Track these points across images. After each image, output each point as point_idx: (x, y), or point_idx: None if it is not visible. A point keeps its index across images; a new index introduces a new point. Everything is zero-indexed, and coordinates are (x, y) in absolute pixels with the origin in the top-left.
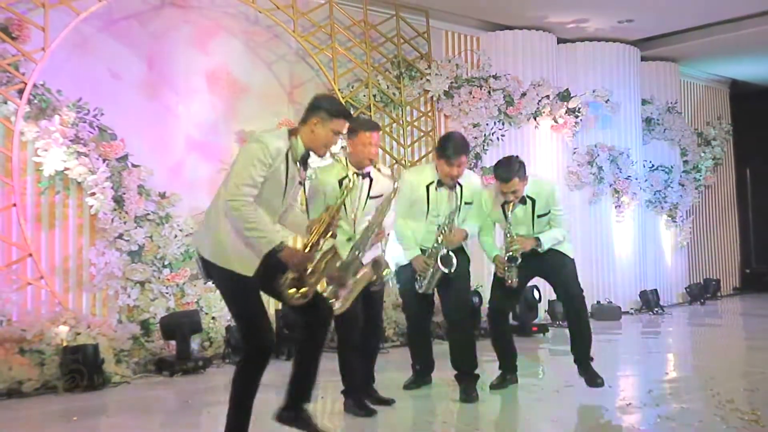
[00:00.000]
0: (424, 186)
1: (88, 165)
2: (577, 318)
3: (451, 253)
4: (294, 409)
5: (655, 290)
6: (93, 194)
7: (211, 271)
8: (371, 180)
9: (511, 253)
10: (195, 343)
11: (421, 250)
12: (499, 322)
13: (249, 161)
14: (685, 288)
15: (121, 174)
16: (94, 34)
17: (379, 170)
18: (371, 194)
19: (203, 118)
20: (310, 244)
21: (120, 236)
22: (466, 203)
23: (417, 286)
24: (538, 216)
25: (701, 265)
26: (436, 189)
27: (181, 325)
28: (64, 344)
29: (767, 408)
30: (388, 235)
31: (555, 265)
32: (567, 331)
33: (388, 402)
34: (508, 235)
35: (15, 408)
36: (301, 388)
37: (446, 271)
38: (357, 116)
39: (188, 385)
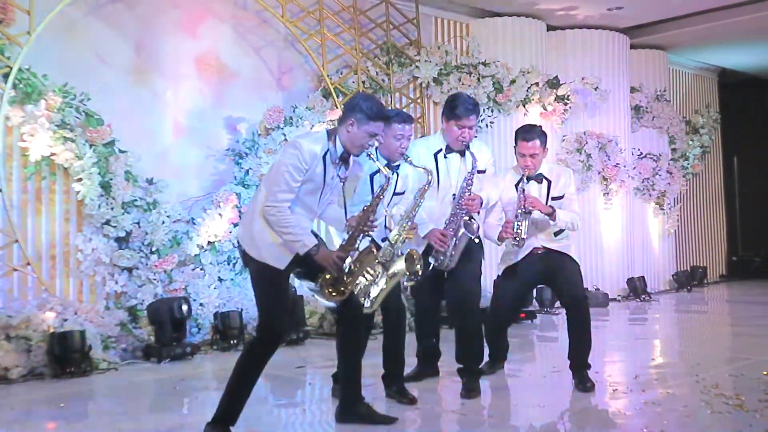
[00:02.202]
0: (431, 155)
1: (74, 150)
2: (581, 324)
3: (474, 218)
4: (352, 405)
5: (643, 277)
6: (80, 180)
7: (247, 260)
8: (398, 175)
9: (522, 210)
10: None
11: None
12: (504, 323)
13: (285, 168)
14: (672, 275)
15: (108, 160)
16: (81, 17)
17: (410, 163)
18: (396, 190)
19: (191, 104)
20: (346, 245)
21: (107, 222)
22: (479, 171)
23: (437, 264)
24: (553, 198)
25: (688, 253)
26: (444, 156)
27: (160, 312)
28: (51, 331)
29: (752, 393)
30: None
31: (561, 267)
32: (554, 317)
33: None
34: (521, 207)
35: (1, 395)
36: (353, 384)
37: (472, 236)
38: (388, 107)
39: (176, 371)
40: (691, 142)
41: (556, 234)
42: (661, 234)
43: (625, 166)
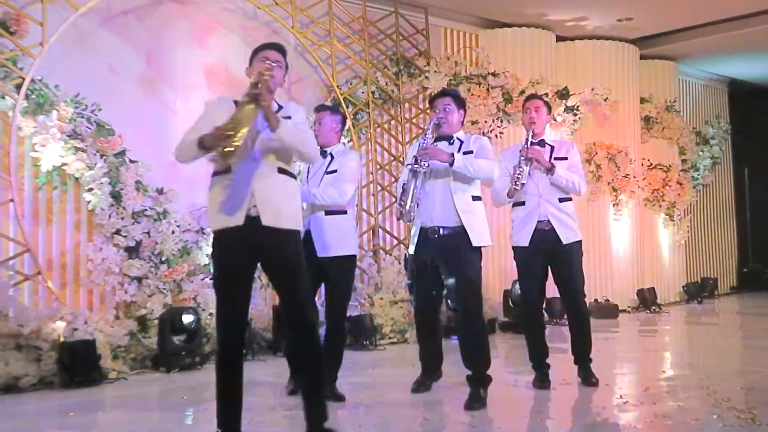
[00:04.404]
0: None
1: (85, 160)
2: (580, 319)
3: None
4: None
5: (653, 288)
6: (90, 190)
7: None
8: (332, 158)
9: (524, 157)
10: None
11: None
12: (535, 315)
13: None
14: (683, 286)
15: (118, 169)
16: (93, 29)
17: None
18: (328, 169)
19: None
20: None
21: (117, 232)
22: (465, 152)
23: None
24: (556, 158)
25: (699, 264)
26: (434, 144)
27: (169, 321)
28: (61, 340)
29: (763, 406)
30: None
31: (566, 266)
32: (563, 329)
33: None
34: (524, 155)
35: (12, 404)
36: (307, 407)
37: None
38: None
39: (185, 381)
40: (701, 153)
41: (561, 200)
42: (672, 245)
43: (635, 177)
